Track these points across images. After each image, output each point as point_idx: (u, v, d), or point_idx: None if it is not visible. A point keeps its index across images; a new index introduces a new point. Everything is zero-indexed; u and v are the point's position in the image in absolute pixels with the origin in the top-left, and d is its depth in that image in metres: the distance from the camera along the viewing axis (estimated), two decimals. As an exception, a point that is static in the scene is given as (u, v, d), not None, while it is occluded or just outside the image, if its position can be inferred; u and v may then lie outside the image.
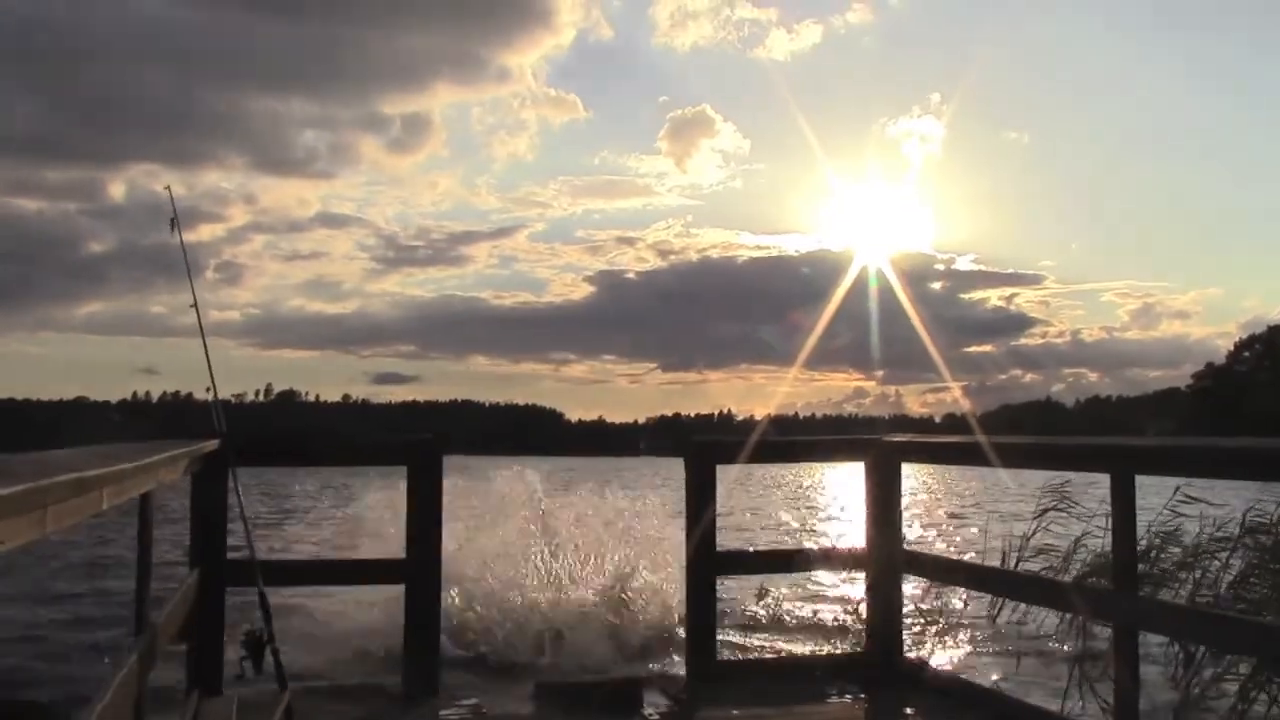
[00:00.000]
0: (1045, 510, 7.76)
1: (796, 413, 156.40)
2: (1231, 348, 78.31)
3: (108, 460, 2.44)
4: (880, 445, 5.21)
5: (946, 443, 5.49)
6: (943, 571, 5.72)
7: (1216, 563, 6.29)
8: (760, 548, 10.97)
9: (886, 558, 5.12)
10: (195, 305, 4.53)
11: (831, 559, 6.53)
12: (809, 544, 12.17)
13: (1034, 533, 7.85)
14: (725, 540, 5.75)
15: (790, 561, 7.13)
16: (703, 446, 5.19)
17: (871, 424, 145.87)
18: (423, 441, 5.05)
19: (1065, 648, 6.51)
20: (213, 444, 4.34)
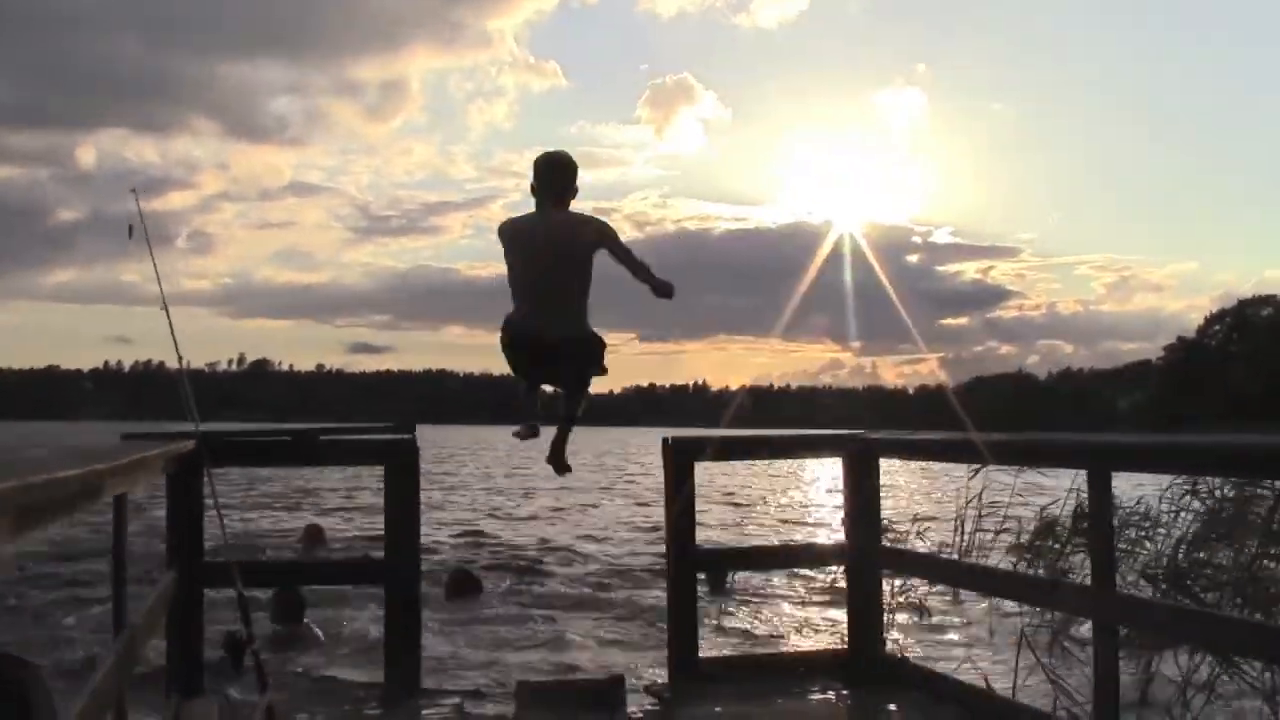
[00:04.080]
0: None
1: (772, 384, 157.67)
2: (1202, 321, 78.91)
3: (82, 462, 2.40)
4: (859, 441, 5.22)
5: (925, 439, 5.50)
6: (923, 567, 5.74)
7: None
8: (742, 544, 10.97)
9: (866, 553, 5.13)
10: (165, 308, 4.47)
11: (812, 554, 6.53)
12: (791, 539, 12.17)
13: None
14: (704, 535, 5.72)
15: (771, 557, 7.14)
16: (680, 443, 5.15)
17: (847, 394, 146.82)
18: (399, 441, 4.99)
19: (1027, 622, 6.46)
20: (188, 445, 4.30)
